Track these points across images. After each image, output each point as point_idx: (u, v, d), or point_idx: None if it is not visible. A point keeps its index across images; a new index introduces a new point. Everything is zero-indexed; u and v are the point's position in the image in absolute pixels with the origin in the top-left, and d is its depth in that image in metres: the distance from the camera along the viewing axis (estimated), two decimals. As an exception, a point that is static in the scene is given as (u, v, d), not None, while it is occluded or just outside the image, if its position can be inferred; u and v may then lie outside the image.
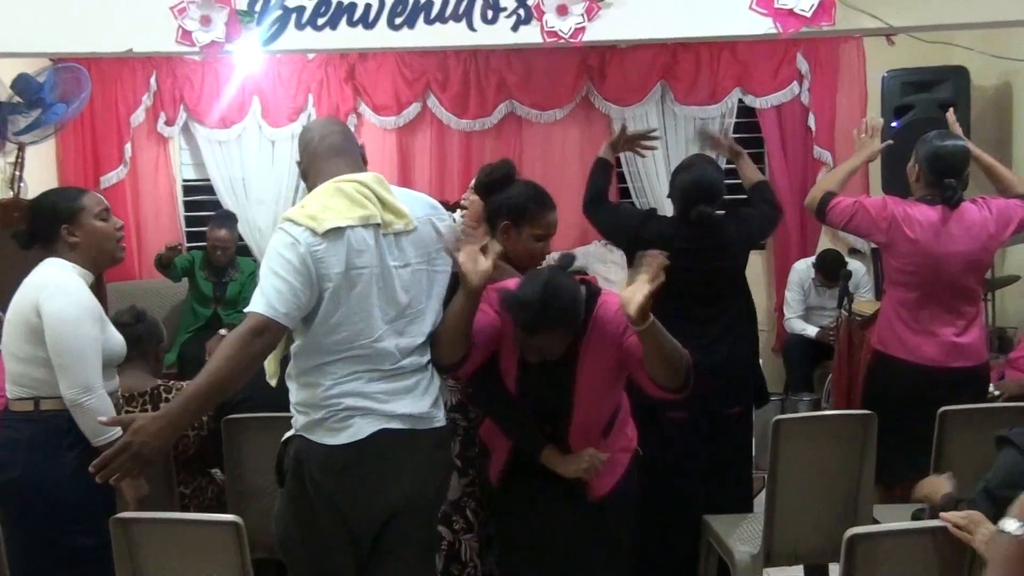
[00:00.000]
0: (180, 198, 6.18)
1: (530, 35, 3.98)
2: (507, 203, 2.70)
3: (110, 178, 5.91)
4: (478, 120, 5.96)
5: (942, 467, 2.99)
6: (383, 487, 2.29)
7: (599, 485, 2.56)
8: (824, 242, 5.84)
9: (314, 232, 2.22)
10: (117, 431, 2.36)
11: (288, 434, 2.38)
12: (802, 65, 5.85)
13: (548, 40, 3.98)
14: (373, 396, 2.27)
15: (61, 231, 2.67)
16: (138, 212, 6.05)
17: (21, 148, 4.79)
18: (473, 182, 2.92)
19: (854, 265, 5.45)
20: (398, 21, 3.99)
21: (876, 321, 3.67)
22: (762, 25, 3.95)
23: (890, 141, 3.55)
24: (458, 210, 3.13)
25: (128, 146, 5.96)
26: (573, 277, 2.44)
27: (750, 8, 3.93)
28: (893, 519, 2.84)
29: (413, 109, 5.96)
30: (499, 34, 3.99)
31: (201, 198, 6.19)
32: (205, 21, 3.96)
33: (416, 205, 2.39)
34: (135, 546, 2.31)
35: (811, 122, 5.88)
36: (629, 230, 3.43)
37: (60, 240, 2.68)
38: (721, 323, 3.31)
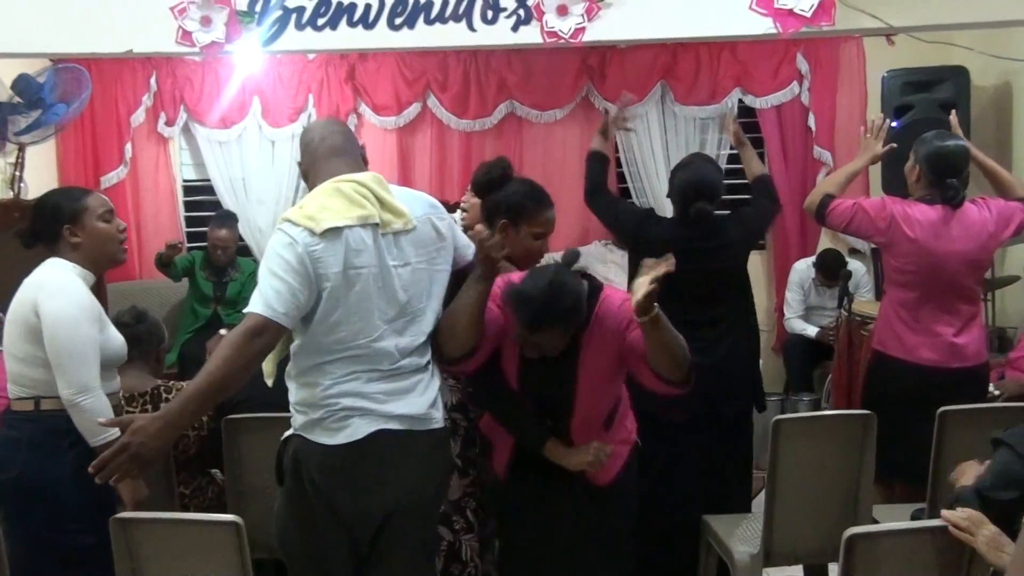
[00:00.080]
0: (180, 198, 6.18)
1: (530, 35, 3.99)
2: (505, 201, 2.70)
3: (110, 178, 5.92)
4: (478, 120, 5.96)
5: (941, 467, 2.99)
6: (380, 487, 2.29)
7: (600, 476, 2.56)
8: (824, 242, 5.83)
9: (312, 232, 2.22)
10: (115, 432, 2.36)
11: (287, 433, 2.39)
12: (802, 65, 5.84)
13: (548, 40, 3.99)
14: (371, 396, 2.27)
15: (63, 231, 2.67)
16: (138, 212, 6.05)
17: (21, 148, 4.80)
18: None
19: (854, 265, 5.45)
20: (398, 21, 3.99)
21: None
22: (762, 25, 3.95)
23: (893, 144, 3.54)
24: (458, 211, 3.13)
25: (128, 146, 5.96)
26: (577, 275, 2.45)
27: (750, 8, 3.93)
28: (892, 519, 2.85)
29: (413, 109, 5.96)
30: (499, 34, 3.99)
31: (201, 198, 6.19)
32: (205, 21, 3.96)
33: (415, 204, 2.39)
34: (135, 546, 2.32)
35: (811, 122, 5.88)
36: (628, 230, 3.44)
37: (62, 240, 2.68)
38: (721, 324, 3.32)
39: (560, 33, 3.96)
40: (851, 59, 5.82)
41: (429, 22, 3.98)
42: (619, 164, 6.00)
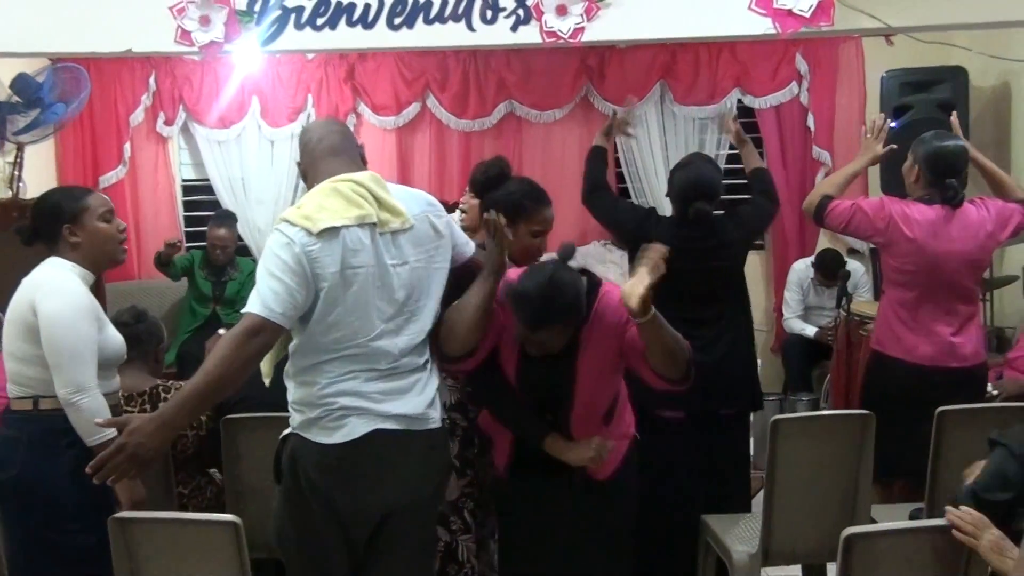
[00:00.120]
0: (179, 198, 6.18)
1: (529, 35, 3.98)
2: (503, 200, 2.70)
3: (109, 178, 5.91)
4: (477, 120, 5.96)
5: (940, 467, 2.99)
6: (377, 487, 2.29)
7: (600, 471, 2.56)
8: (823, 242, 5.83)
9: (309, 232, 2.22)
10: (112, 431, 2.35)
11: (285, 432, 2.38)
12: (801, 65, 5.85)
13: (547, 40, 3.98)
14: (369, 396, 2.27)
15: (63, 230, 2.67)
16: (137, 212, 6.04)
17: (20, 148, 4.79)
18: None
19: (853, 265, 5.45)
20: (397, 21, 3.99)
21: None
22: (761, 25, 3.95)
23: (893, 146, 3.54)
24: (457, 211, 3.13)
25: (127, 146, 5.96)
26: (575, 271, 2.45)
27: (749, 8, 3.93)
28: (891, 519, 2.85)
29: (412, 109, 5.96)
30: (498, 34, 3.99)
31: (200, 198, 6.19)
32: (204, 21, 3.96)
33: (413, 202, 2.39)
34: (134, 545, 2.32)
35: (810, 122, 5.88)
36: (628, 229, 3.44)
37: (62, 239, 2.67)
38: (719, 323, 3.32)
39: (559, 33, 3.96)
40: (850, 59, 5.83)
41: (428, 22, 3.98)
42: (618, 164, 6.01)
